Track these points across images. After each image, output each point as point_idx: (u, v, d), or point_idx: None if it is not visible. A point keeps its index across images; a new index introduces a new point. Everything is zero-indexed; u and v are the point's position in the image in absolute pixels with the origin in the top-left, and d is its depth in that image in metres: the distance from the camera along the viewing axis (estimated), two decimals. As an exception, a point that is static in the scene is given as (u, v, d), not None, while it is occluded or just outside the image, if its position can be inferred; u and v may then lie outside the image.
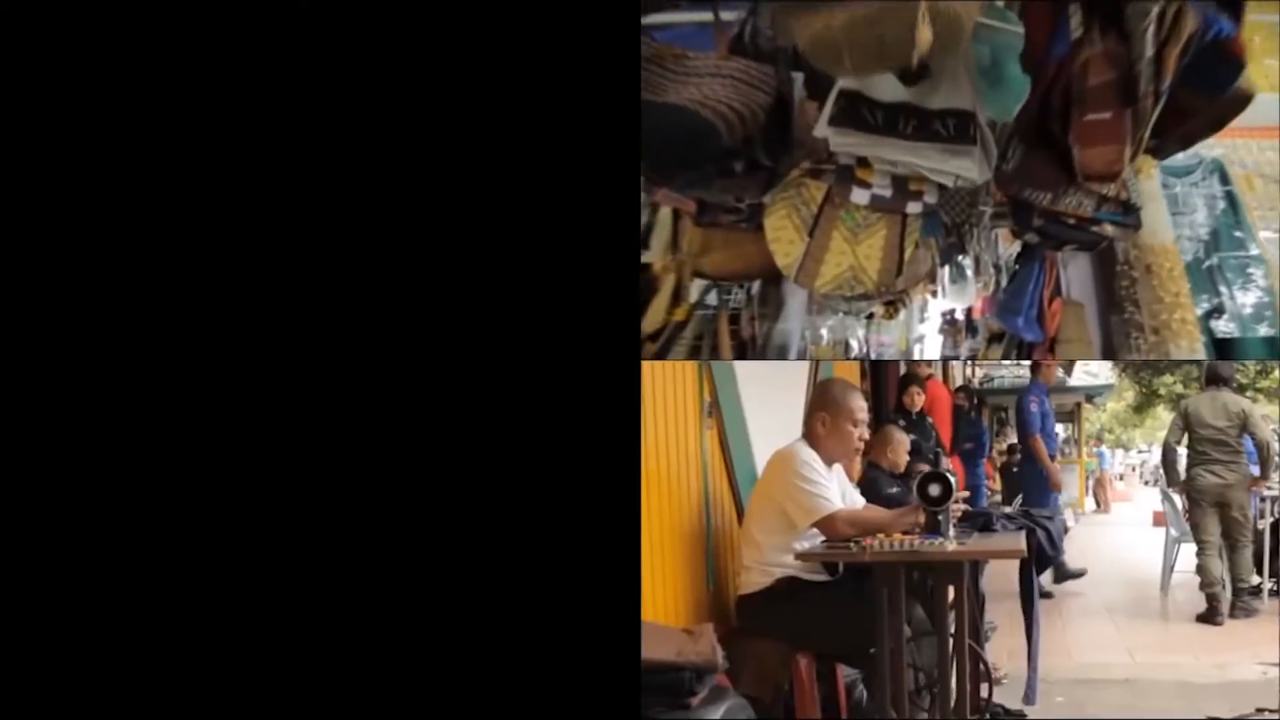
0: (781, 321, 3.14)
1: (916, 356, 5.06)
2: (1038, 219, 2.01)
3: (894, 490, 3.49)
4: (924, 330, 4.86)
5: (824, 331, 3.85)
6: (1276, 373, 9.72)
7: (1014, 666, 2.98)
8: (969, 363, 6.97)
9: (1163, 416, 16.29)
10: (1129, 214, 1.99)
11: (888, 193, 1.79)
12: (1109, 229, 2.00)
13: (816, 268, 1.82)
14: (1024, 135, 1.87)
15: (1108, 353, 2.83)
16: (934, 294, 4.00)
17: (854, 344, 4.48)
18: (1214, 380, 4.56)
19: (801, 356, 3.41)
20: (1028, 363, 6.80)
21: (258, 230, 1.34)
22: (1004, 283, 3.28)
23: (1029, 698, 2.70)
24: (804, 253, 1.83)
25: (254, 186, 1.34)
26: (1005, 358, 3.57)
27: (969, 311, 4.18)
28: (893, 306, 3.84)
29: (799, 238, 1.84)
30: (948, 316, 4.55)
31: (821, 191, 1.84)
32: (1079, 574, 5.30)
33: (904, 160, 1.74)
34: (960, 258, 3.22)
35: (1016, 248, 3.08)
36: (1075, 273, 2.90)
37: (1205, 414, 4.47)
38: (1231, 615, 4.35)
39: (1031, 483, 5.36)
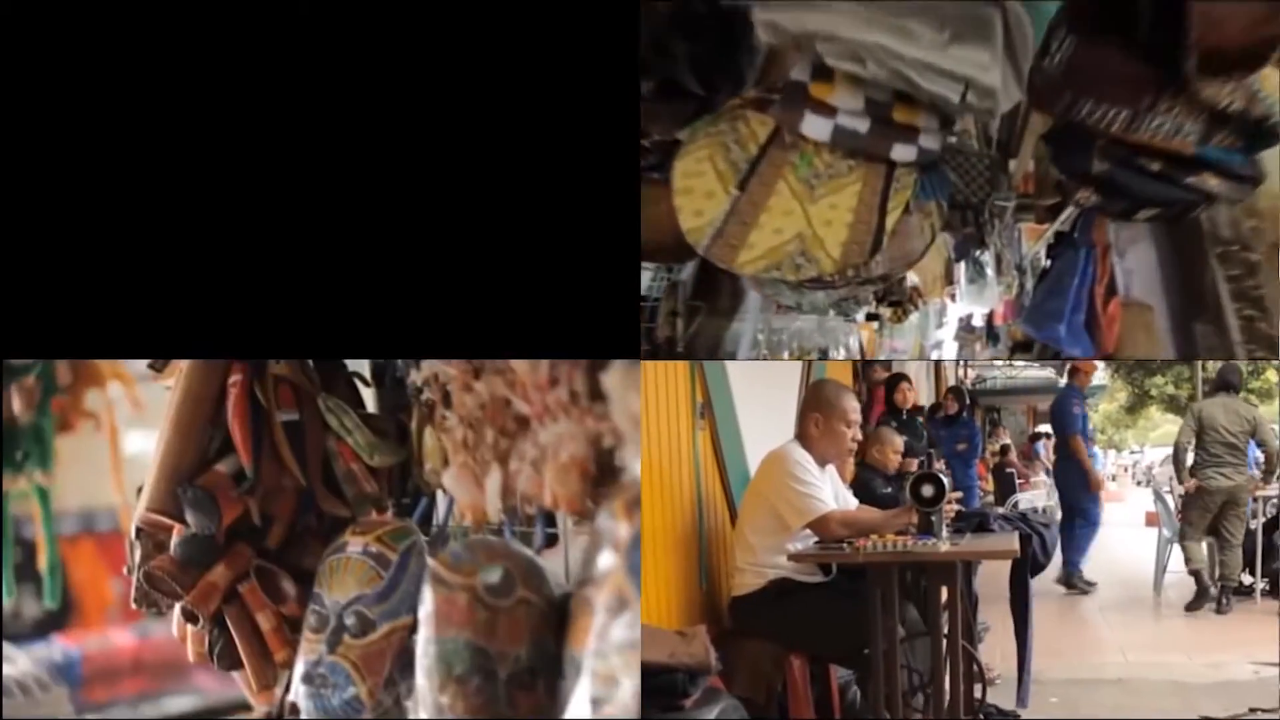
0: (738, 319, 2.53)
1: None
2: (1099, 161, 1.21)
3: (887, 491, 3.48)
4: (942, 336, 4.58)
5: (785, 336, 3.09)
6: (1269, 374, 9.76)
7: (1007, 667, 2.98)
8: (962, 363, 6.93)
9: (1155, 417, 16.33)
10: (1254, 149, 1.16)
11: (861, 125, 1.20)
12: (1212, 182, 1.18)
13: (744, 235, 1.22)
14: (1078, 14, 1.15)
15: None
16: (953, 297, 3.49)
17: (838, 356, 3.98)
18: (1224, 386, 4.69)
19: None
20: (1021, 363, 6.72)
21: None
22: (1029, 286, 2.66)
23: (1021, 700, 2.70)
24: (726, 211, 1.22)
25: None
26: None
27: (989, 317, 3.69)
28: (900, 309, 3.22)
29: (721, 189, 1.23)
30: (964, 323, 4.11)
31: (767, 129, 1.26)
32: (1088, 587, 5.28)
33: (875, 44, 1.13)
34: (979, 252, 2.60)
35: (1048, 239, 2.30)
36: (1137, 260, 1.97)
37: (1220, 419, 4.59)
38: (1219, 611, 4.47)
39: (1069, 482, 5.36)
